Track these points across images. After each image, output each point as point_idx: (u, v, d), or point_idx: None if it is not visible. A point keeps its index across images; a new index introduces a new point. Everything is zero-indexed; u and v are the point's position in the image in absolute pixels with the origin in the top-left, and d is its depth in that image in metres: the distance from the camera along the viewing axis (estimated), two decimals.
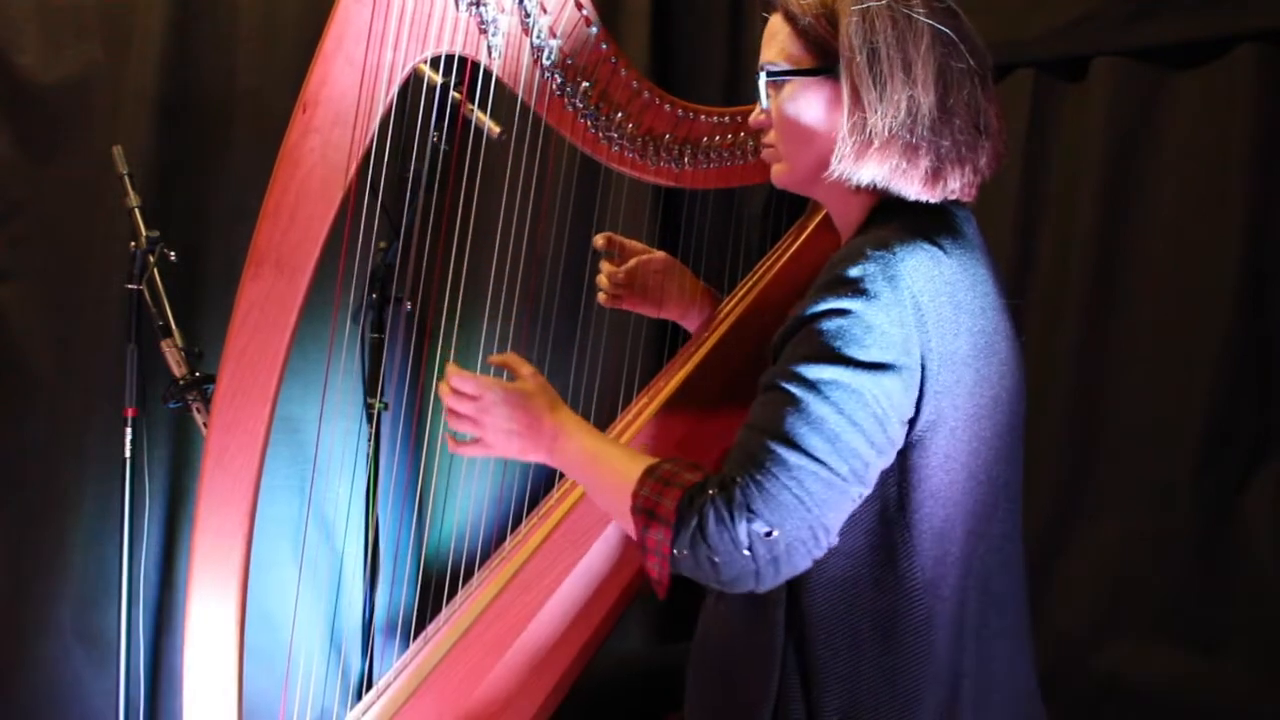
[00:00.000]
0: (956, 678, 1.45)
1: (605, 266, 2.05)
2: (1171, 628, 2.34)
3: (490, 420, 1.62)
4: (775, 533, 1.32)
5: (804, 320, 1.39)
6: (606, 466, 1.54)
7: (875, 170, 1.44)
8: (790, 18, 1.50)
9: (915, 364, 1.36)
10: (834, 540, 1.37)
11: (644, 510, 1.42)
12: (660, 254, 2.07)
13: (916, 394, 1.37)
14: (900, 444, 1.39)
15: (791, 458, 1.33)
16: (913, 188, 1.44)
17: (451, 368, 1.63)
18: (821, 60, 1.48)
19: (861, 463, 1.35)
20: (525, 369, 1.66)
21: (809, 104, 1.50)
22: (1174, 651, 2.34)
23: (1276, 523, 2.26)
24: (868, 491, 1.39)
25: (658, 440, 1.82)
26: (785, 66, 1.51)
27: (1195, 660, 2.32)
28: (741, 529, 1.32)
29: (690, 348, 2.00)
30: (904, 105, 1.41)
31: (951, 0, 1.48)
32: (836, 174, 1.46)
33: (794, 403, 1.34)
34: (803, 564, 1.36)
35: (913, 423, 1.39)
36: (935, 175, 1.44)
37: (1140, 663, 2.35)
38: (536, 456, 1.63)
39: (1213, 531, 2.31)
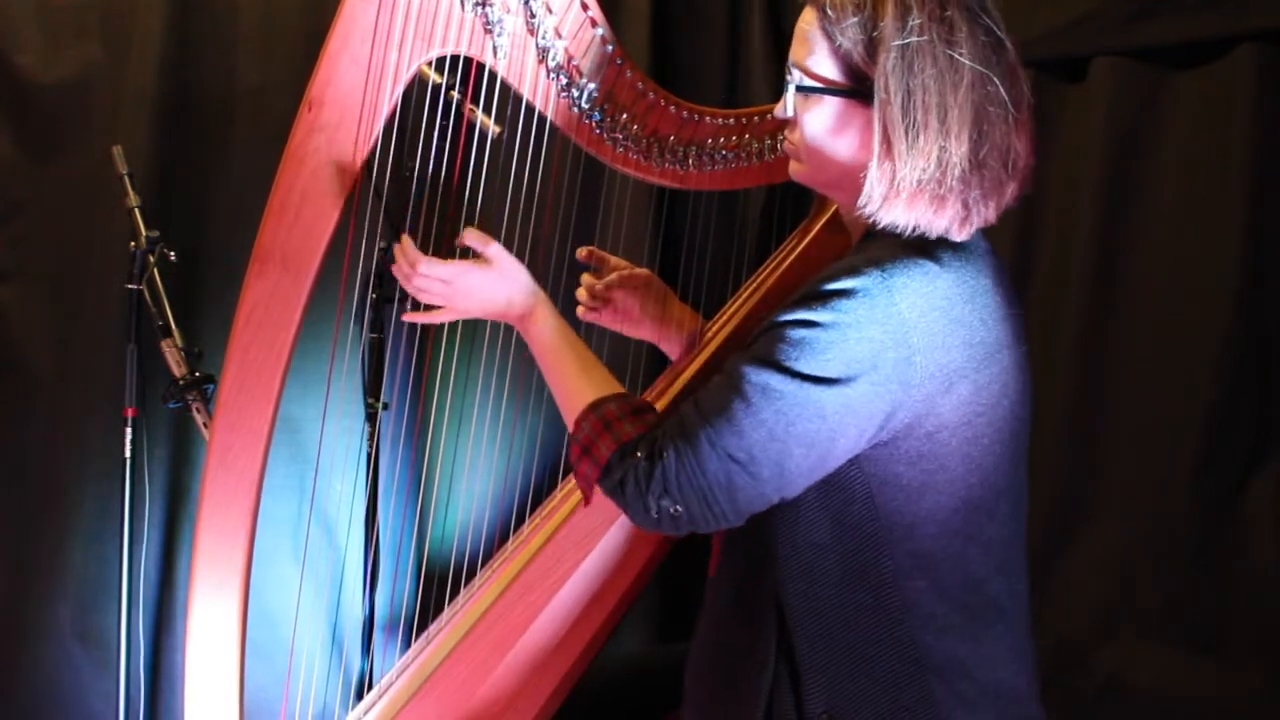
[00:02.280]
0: (940, 671, 1.46)
1: (586, 279, 2.03)
2: (1171, 628, 2.35)
3: (462, 297, 1.67)
4: (681, 510, 1.41)
5: (775, 324, 1.40)
6: (561, 372, 1.62)
7: (902, 216, 1.41)
8: (826, 33, 1.44)
9: (886, 377, 1.36)
10: (739, 522, 1.43)
11: (582, 445, 1.51)
12: (643, 271, 2.04)
13: (887, 404, 1.37)
14: (859, 450, 1.41)
15: (715, 453, 1.38)
16: (939, 230, 1.42)
17: (414, 252, 1.64)
18: (856, 82, 1.44)
19: (789, 470, 1.38)
20: (491, 247, 1.67)
21: (838, 125, 1.47)
22: (1174, 651, 2.34)
23: (1276, 523, 2.27)
24: (792, 493, 1.42)
25: None
26: (816, 84, 1.47)
27: (1195, 660, 2.33)
28: (652, 501, 1.42)
29: (694, 348, 2.00)
30: (935, 157, 1.38)
31: (998, 25, 1.43)
32: (865, 214, 1.44)
33: (739, 398, 1.38)
34: (705, 531, 1.45)
35: (881, 426, 1.39)
36: (964, 220, 1.42)
37: (1140, 663, 2.36)
38: (509, 321, 1.69)
39: (1213, 531, 2.32)
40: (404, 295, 2.26)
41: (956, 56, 1.39)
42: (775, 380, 1.36)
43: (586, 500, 1.59)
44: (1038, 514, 2.30)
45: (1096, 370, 2.41)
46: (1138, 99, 2.36)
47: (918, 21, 1.39)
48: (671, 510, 1.41)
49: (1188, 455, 2.32)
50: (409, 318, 1.73)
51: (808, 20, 1.48)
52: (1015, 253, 2.45)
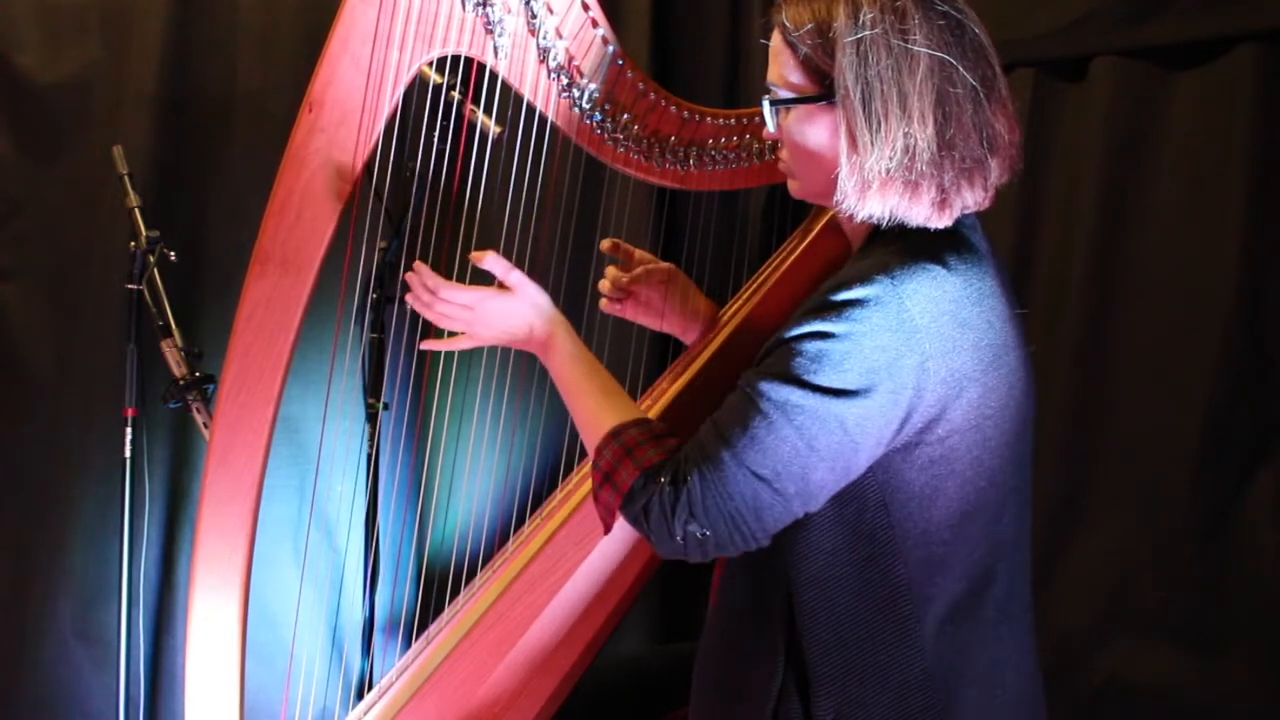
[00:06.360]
0: (950, 677, 1.45)
1: (610, 272, 2.02)
2: (1171, 628, 2.34)
3: (483, 325, 1.67)
4: (708, 534, 1.40)
5: (787, 338, 1.40)
6: (581, 398, 1.61)
7: (877, 207, 1.43)
8: (790, 45, 1.47)
9: (902, 384, 1.36)
10: (766, 541, 1.42)
11: (603, 472, 1.51)
12: (667, 265, 2.04)
13: (903, 410, 1.38)
14: (878, 458, 1.41)
15: (740, 473, 1.38)
16: (919, 217, 1.43)
17: (433, 278, 1.65)
18: (823, 87, 1.46)
19: (813, 485, 1.38)
20: (512, 275, 1.67)
21: (814, 130, 1.48)
22: (1174, 651, 2.34)
23: (1276, 523, 2.27)
24: (816, 507, 1.42)
25: None
26: (787, 94, 1.50)
27: (1195, 660, 2.33)
28: (678, 526, 1.40)
29: (694, 350, 2.00)
30: (900, 144, 1.39)
31: (955, 8, 1.44)
32: (843, 210, 1.46)
33: (759, 416, 1.38)
34: (732, 554, 1.43)
35: (897, 433, 1.39)
36: (942, 204, 1.43)
37: (1140, 663, 2.36)
38: (529, 349, 1.69)
39: (1213, 531, 2.32)
40: (403, 296, 2.27)
41: (910, 44, 1.40)
42: (795, 395, 1.36)
43: (607, 528, 1.56)
44: (1038, 514, 2.31)
45: (1096, 370, 2.41)
46: (1138, 99, 2.36)
47: (869, 16, 1.41)
48: (699, 534, 1.40)
49: (1187, 455, 2.32)
50: (427, 345, 1.72)
51: (774, 38, 1.51)
52: (1015, 253, 2.44)
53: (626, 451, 1.49)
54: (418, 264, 1.66)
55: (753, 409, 1.38)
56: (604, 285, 2.03)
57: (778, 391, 1.37)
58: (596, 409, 1.58)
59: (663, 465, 1.45)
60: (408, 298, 1.67)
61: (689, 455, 1.43)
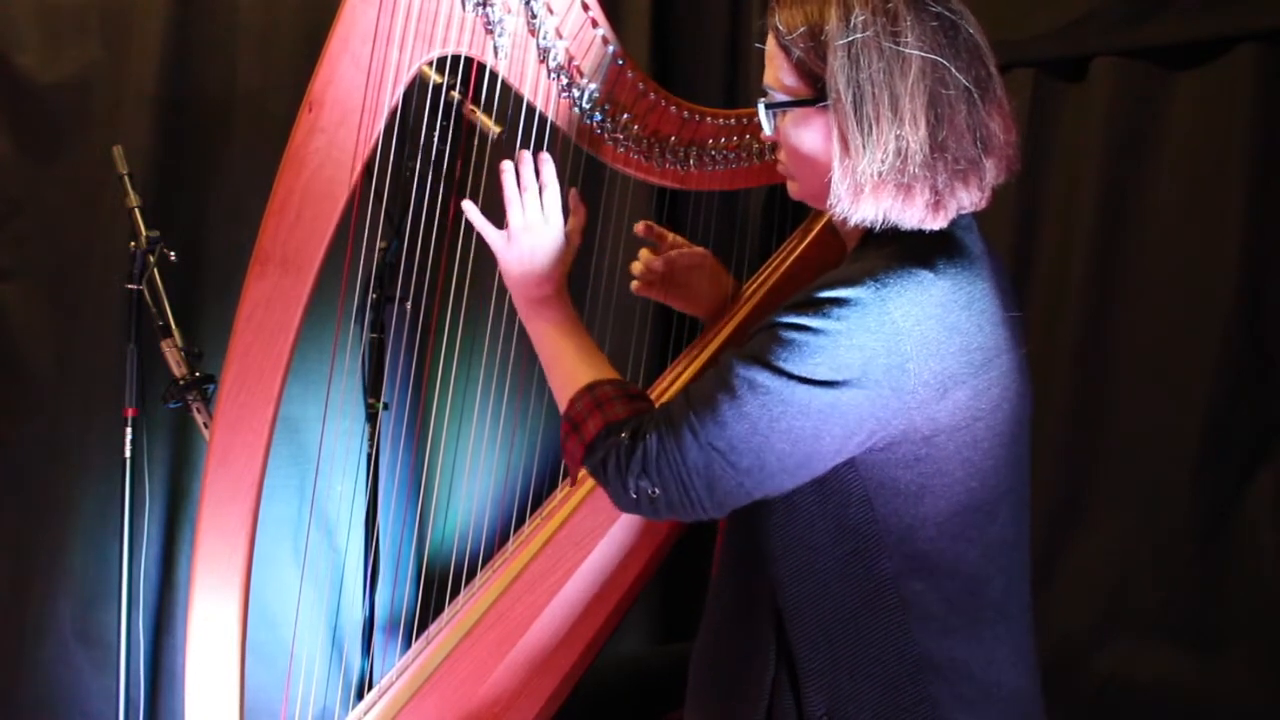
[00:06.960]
0: (944, 673, 1.46)
1: (643, 254, 2.04)
2: (1171, 628, 2.34)
3: (537, 235, 1.69)
4: (658, 493, 1.43)
5: (769, 325, 1.41)
6: (564, 355, 1.66)
7: (871, 210, 1.43)
8: (784, 48, 1.48)
9: (877, 383, 1.37)
10: (718, 513, 1.45)
11: (572, 421, 1.55)
12: (699, 248, 2.06)
13: (878, 410, 1.38)
14: (850, 453, 1.41)
15: (696, 440, 1.40)
16: (914, 220, 1.44)
17: (551, 173, 1.68)
18: (816, 90, 1.46)
19: (769, 465, 1.39)
20: (576, 236, 1.73)
21: (808, 133, 1.49)
22: (1174, 651, 2.34)
23: (1276, 523, 2.27)
24: (772, 490, 1.42)
25: None
26: (782, 97, 1.50)
27: (1195, 660, 2.32)
28: (631, 482, 1.44)
29: (695, 348, 2.01)
30: (892, 147, 1.40)
31: (949, 9, 1.44)
32: (836, 213, 1.47)
33: (726, 390, 1.39)
34: (684, 518, 1.46)
35: (874, 431, 1.40)
36: (936, 206, 1.43)
37: (1140, 663, 2.36)
38: (516, 298, 1.71)
39: (1213, 531, 2.32)
40: (405, 295, 2.27)
41: (901, 46, 1.40)
42: (762, 376, 1.37)
43: (572, 479, 1.62)
44: (1038, 514, 2.30)
45: (1096, 370, 2.41)
46: (1138, 99, 2.36)
47: (861, 18, 1.41)
48: (649, 492, 1.43)
49: (1187, 455, 2.32)
50: (469, 206, 1.71)
51: (769, 41, 1.51)
52: (1015, 253, 2.44)
53: (598, 404, 1.54)
54: (544, 155, 1.69)
55: (722, 384, 1.40)
56: (636, 267, 2.06)
57: (748, 370, 1.38)
58: (576, 368, 1.63)
59: (627, 421, 1.49)
60: (504, 166, 1.68)
61: (654, 416, 1.46)
